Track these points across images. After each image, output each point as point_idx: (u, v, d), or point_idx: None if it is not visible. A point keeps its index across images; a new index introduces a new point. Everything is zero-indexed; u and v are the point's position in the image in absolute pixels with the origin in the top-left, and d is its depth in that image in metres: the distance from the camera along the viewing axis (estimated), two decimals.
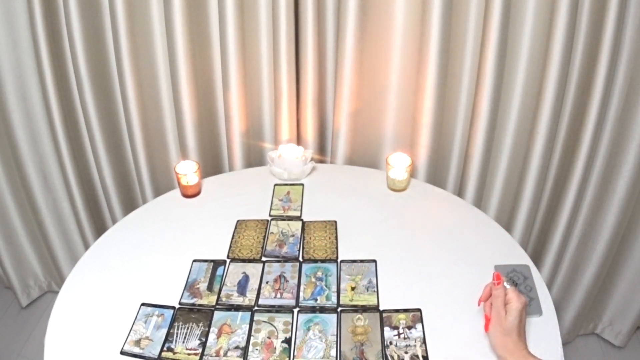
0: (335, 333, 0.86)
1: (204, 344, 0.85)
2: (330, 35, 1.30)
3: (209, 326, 0.88)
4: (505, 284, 0.82)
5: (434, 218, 1.14)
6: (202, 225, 1.12)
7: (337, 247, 1.05)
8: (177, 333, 0.87)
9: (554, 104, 1.20)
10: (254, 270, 1.00)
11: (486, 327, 0.84)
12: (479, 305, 0.87)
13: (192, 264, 1.01)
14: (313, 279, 0.97)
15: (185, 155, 1.42)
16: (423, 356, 0.82)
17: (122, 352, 0.84)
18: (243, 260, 1.02)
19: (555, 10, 1.10)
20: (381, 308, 0.91)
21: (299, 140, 1.43)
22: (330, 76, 1.36)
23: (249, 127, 1.40)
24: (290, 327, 0.88)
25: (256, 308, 0.92)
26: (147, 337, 0.87)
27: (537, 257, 1.52)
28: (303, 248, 1.05)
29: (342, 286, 0.96)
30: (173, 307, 0.92)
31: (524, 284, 0.94)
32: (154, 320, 0.90)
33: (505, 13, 1.12)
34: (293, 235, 1.08)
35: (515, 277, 0.95)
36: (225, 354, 0.84)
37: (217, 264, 1.01)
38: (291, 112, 1.35)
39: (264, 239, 1.08)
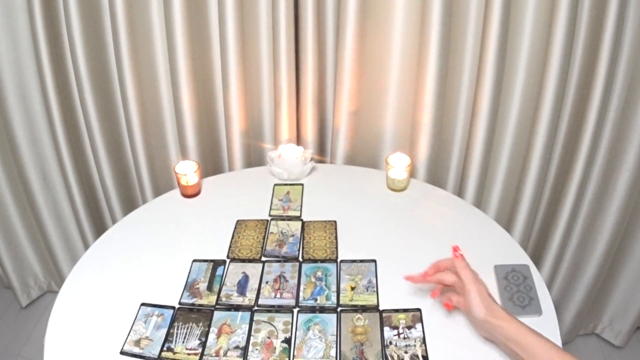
0: (335, 333, 0.86)
1: (203, 344, 0.85)
2: (330, 35, 1.30)
3: (209, 326, 0.88)
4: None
5: (434, 218, 1.14)
6: (202, 225, 1.12)
7: (336, 247, 1.05)
8: (177, 333, 0.87)
9: (554, 104, 1.20)
10: (253, 270, 1.00)
11: (449, 307, 0.85)
12: (430, 288, 0.86)
13: (192, 264, 1.01)
14: (313, 279, 0.97)
15: (185, 155, 1.42)
16: (423, 356, 0.82)
17: (122, 352, 0.84)
18: (243, 260, 1.02)
19: (555, 10, 1.10)
20: (381, 308, 0.91)
21: (298, 140, 1.43)
22: (330, 76, 1.36)
23: (249, 127, 1.40)
24: (290, 327, 0.88)
25: (256, 308, 0.92)
26: (146, 337, 0.87)
27: (537, 257, 1.52)
28: (303, 248, 1.05)
29: (342, 286, 0.96)
30: (173, 307, 0.92)
31: (524, 284, 0.93)
32: (154, 320, 0.90)
33: (505, 13, 1.12)
34: (293, 235, 1.08)
35: (515, 277, 0.95)
36: (225, 354, 0.84)
37: (217, 264, 1.01)
38: (291, 112, 1.35)
39: (263, 239, 1.08)
